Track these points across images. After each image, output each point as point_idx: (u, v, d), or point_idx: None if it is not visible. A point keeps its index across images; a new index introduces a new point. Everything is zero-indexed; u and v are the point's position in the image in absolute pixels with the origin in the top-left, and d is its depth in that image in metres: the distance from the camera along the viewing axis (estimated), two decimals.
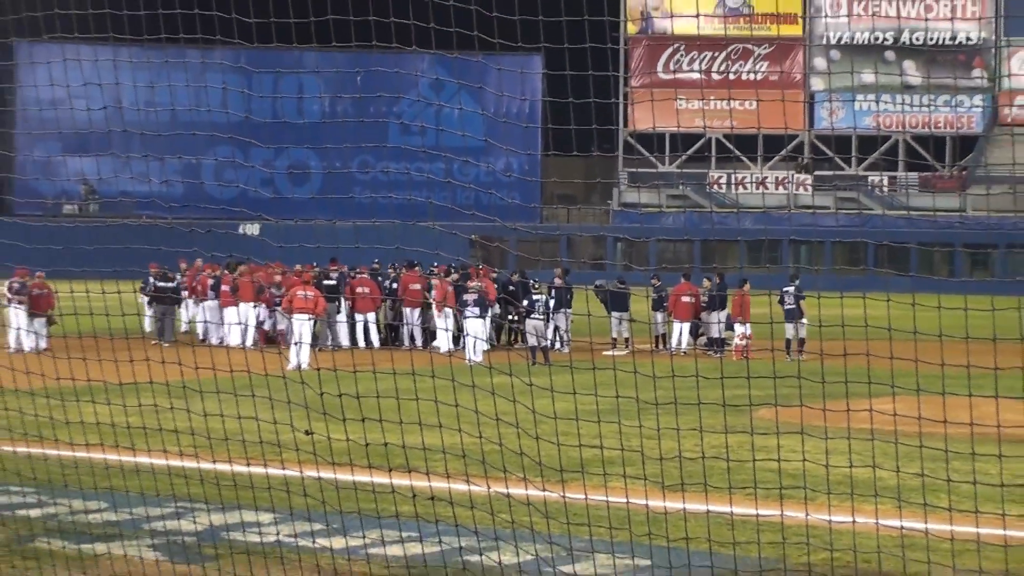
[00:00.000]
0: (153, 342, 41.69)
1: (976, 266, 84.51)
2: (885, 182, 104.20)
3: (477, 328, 41.52)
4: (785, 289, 45.79)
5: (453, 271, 46.68)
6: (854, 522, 17.03)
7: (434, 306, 44.86)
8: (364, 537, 16.71)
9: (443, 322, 44.28)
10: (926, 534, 16.01)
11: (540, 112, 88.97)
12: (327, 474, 18.78)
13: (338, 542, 16.57)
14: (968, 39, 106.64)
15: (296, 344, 39.35)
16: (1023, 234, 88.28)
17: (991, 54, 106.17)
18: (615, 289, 47.07)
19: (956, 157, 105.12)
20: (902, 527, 16.52)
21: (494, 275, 46.37)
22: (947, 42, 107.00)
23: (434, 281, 45.35)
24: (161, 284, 45.51)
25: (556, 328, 44.76)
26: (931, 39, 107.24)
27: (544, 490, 17.65)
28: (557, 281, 45.83)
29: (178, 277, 49.19)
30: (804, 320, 44.38)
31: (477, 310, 42.10)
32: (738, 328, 45.34)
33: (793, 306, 44.81)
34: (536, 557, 15.63)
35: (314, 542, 16.69)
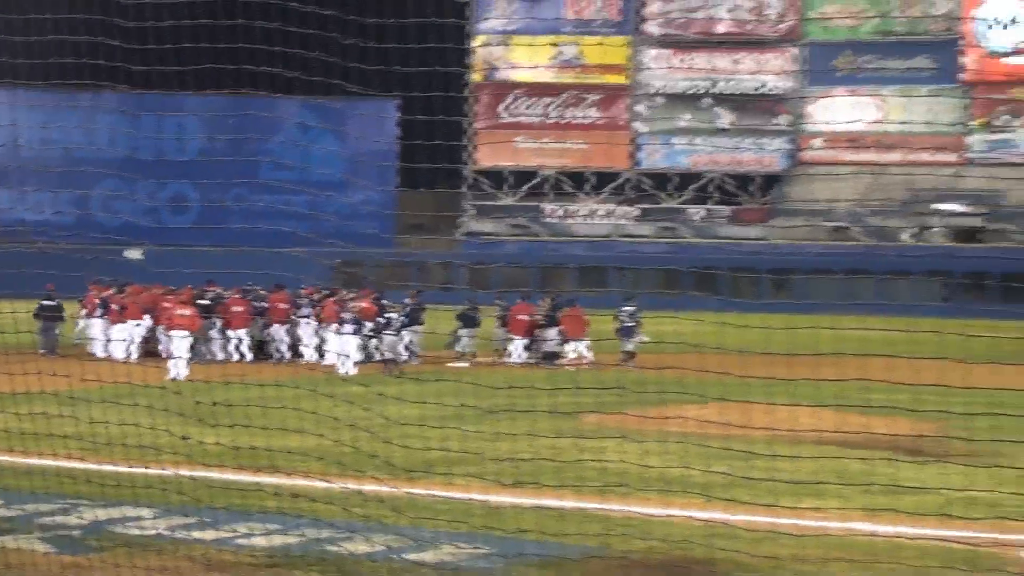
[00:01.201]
0: (42, 351, 41.34)
1: (778, 289, 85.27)
2: (700, 214, 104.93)
3: (351, 343, 41.60)
4: (621, 308, 46.15)
5: (323, 292, 46.74)
6: (668, 514, 17.18)
7: (314, 321, 44.70)
8: (234, 530, 16.65)
9: (310, 338, 44.16)
10: (731, 525, 16.20)
11: (395, 151, 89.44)
12: (201, 473, 18.74)
13: (210, 534, 16.54)
14: (773, 89, 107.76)
15: (175, 358, 39.27)
16: (820, 261, 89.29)
17: (793, 102, 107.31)
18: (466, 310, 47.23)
19: (762, 192, 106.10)
20: (709, 519, 16.73)
21: (375, 296, 46.19)
22: (755, 91, 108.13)
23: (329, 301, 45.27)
24: (45, 303, 44.89)
25: (408, 343, 44.71)
26: (741, 89, 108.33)
27: (394, 487, 17.71)
28: (409, 301, 45.88)
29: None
30: (640, 336, 44.69)
31: (352, 327, 42.19)
32: (572, 344, 45.58)
33: (630, 324, 45.18)
34: (386, 547, 15.66)
35: (189, 534, 16.62)
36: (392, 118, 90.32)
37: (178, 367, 38.48)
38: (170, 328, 40.98)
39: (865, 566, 14.42)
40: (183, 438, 17.22)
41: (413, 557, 15.28)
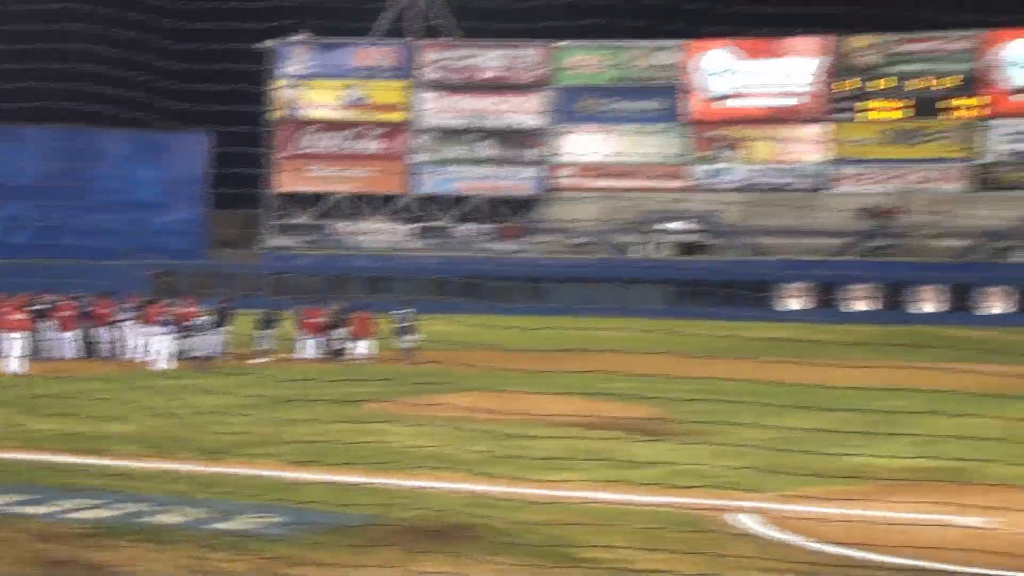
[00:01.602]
0: None
1: (534, 295, 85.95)
2: (468, 231, 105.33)
3: (168, 343, 41.26)
4: (400, 312, 46.34)
5: (146, 298, 46.35)
6: (438, 487, 17.23)
7: (136, 323, 44.05)
8: (62, 506, 16.35)
9: (136, 338, 43.52)
10: (491, 496, 16.29)
11: (207, 178, 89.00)
12: (34, 456, 18.39)
13: (42, 509, 16.21)
14: (529, 126, 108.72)
15: (8, 356, 38.93)
16: (568, 271, 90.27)
17: (545, 137, 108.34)
18: (267, 314, 47.02)
19: (520, 213, 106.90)
20: (472, 490, 16.81)
21: (191, 301, 45.57)
22: (513, 128, 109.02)
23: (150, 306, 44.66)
24: None
25: (217, 342, 44.17)
26: (501, 125, 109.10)
27: (201, 466, 17.55)
28: (219, 306, 45.48)
29: None
30: (416, 336, 44.82)
31: (169, 328, 41.77)
32: (360, 343, 45.47)
33: (407, 325, 45.41)
34: (194, 519, 15.50)
35: (24, 510, 16.27)
36: (204, 149, 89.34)
37: (15, 364, 38.06)
38: (8, 330, 40.26)
39: (602, 529, 14.57)
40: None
41: (217, 526, 15.15)
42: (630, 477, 17.63)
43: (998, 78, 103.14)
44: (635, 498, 16.83)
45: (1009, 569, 13.04)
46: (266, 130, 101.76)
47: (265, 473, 17.85)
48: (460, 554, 13.41)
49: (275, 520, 15.47)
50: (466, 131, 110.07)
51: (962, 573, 13.19)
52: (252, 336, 46.10)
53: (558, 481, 17.79)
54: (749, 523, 15.55)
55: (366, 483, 17.19)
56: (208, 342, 42.99)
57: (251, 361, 42.77)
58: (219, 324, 44.41)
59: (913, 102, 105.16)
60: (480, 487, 17.12)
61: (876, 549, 13.80)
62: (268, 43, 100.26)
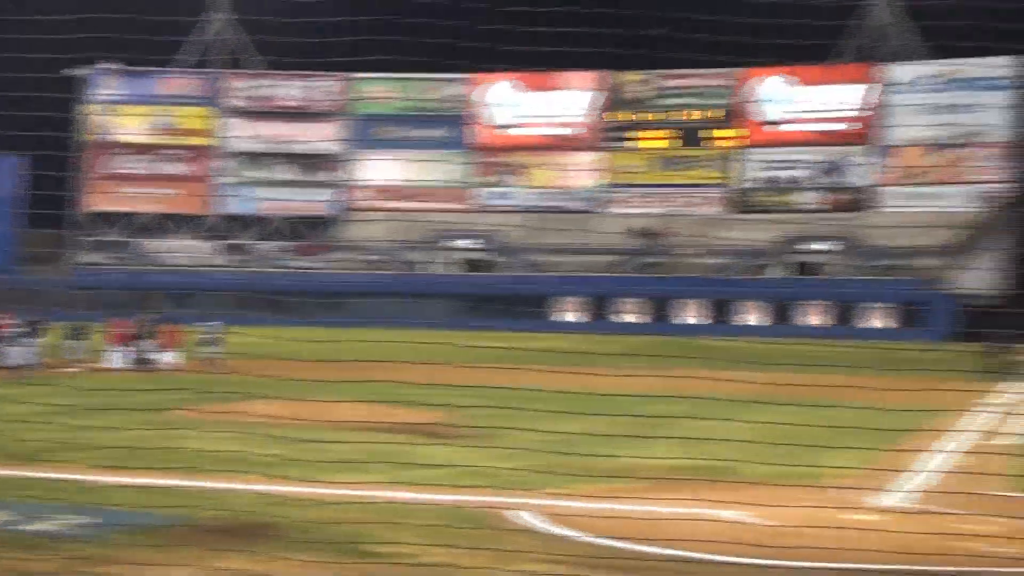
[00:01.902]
0: None
1: (330, 309, 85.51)
2: (269, 248, 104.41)
3: None
4: (204, 324, 45.87)
5: None
6: (237, 487, 16.99)
7: None
8: None
9: None
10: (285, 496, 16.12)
11: (20, 198, 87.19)
12: None
13: None
14: (327, 151, 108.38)
15: None
16: (364, 286, 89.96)
17: (342, 162, 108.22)
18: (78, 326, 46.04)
19: (319, 232, 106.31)
20: (270, 491, 16.61)
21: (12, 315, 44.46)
22: (312, 153, 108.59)
23: None
24: None
25: (30, 352, 43.07)
26: (302, 151, 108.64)
27: (11, 471, 17.06)
28: (31, 319, 44.46)
29: None
30: (222, 347, 44.38)
31: None
32: (166, 353, 44.73)
33: (212, 336, 44.97)
34: (3, 520, 15.03)
35: None
36: (15, 171, 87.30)
37: None
38: None
39: (392, 526, 14.51)
40: None
41: (27, 528, 14.72)
42: (418, 477, 17.59)
43: (753, 112, 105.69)
44: (422, 497, 16.79)
45: (761, 558, 13.30)
46: (77, 153, 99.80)
47: (73, 477, 17.40)
48: (259, 552, 13.24)
49: (83, 521, 15.08)
50: (268, 155, 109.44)
51: (719, 562, 13.41)
52: (63, 347, 45.11)
53: (351, 482, 17.67)
54: (528, 519, 15.61)
55: (170, 485, 16.86)
56: (21, 352, 41.90)
57: (61, 370, 41.74)
58: (31, 335, 43.36)
59: (678, 133, 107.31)
60: (278, 488, 16.93)
61: (644, 542, 13.96)
62: (79, 70, 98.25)
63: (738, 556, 13.45)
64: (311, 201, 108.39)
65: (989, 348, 45.22)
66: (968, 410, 28.75)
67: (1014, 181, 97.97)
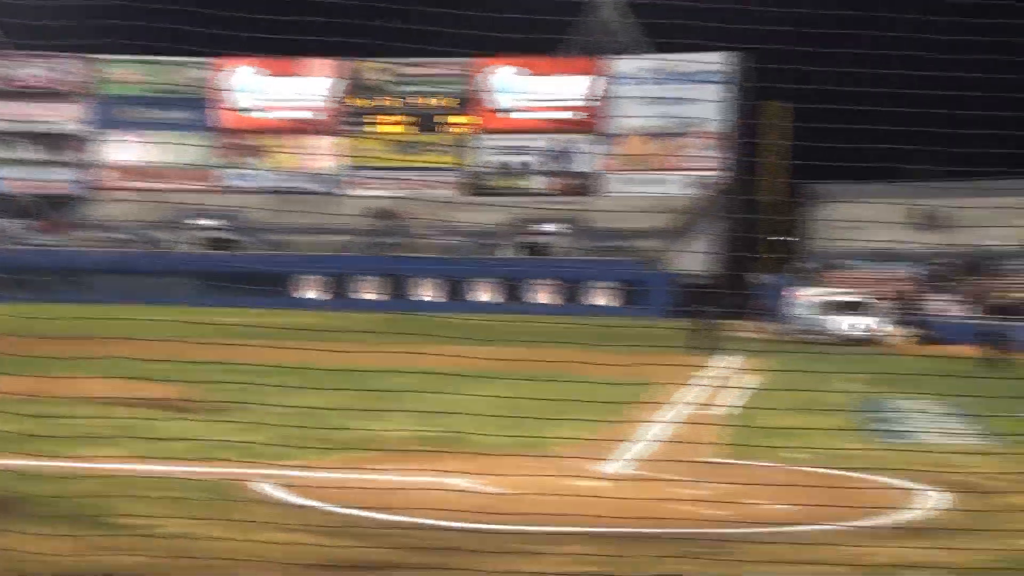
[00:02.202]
0: None
1: (75, 286, 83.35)
2: (16, 226, 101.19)
3: None
4: None
5: None
6: None
7: None
8: None
9: None
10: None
11: None
12: None
13: None
14: (72, 130, 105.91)
15: None
16: (107, 264, 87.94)
17: (88, 141, 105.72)
18: None
19: (64, 211, 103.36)
20: (15, 464, 16.08)
21: None
22: (59, 132, 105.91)
23: None
24: None
25: None
26: (47, 130, 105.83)
27: None
28: None
29: None
30: None
31: None
32: None
33: None
34: None
35: None
36: None
37: None
38: None
39: (136, 498, 14.18)
40: None
41: None
42: (161, 451, 17.24)
43: (486, 100, 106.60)
44: (164, 469, 16.46)
45: (493, 523, 13.45)
46: None
47: None
48: (2, 528, 12.77)
49: None
50: (13, 135, 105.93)
51: (454, 528, 13.50)
52: None
53: (95, 456, 17.23)
54: (269, 490, 15.45)
55: None
56: None
57: None
58: None
59: (415, 118, 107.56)
60: (23, 462, 16.36)
61: (382, 510, 13.96)
62: None
63: (471, 522, 13.56)
64: (56, 180, 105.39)
65: (697, 325, 46.55)
66: (684, 383, 29.55)
67: (725, 169, 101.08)
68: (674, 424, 23.01)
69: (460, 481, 15.22)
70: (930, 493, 17.39)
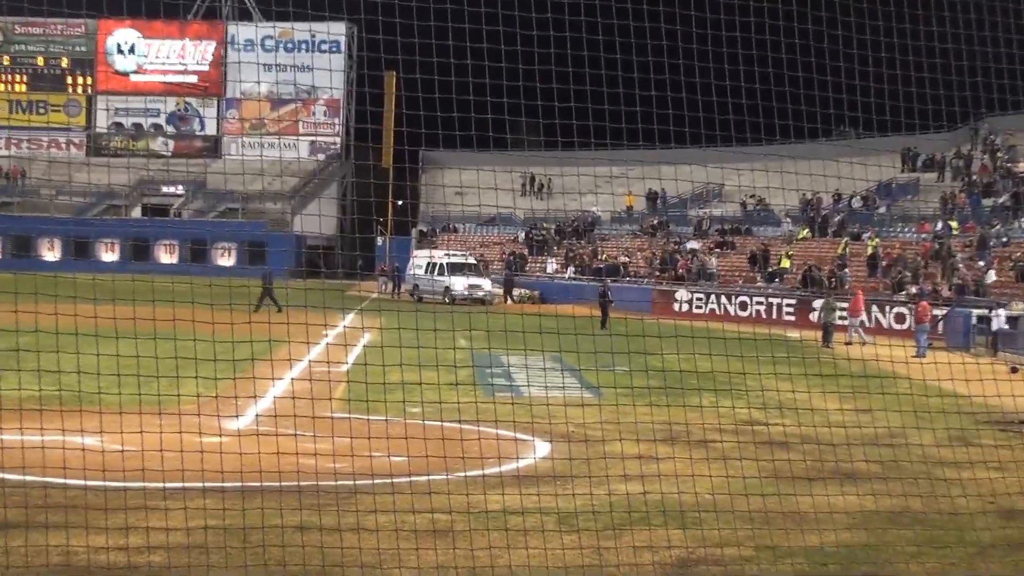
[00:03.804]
0: None
1: None
2: None
3: None
4: None
5: None
6: None
7: None
8: None
9: None
10: None
11: None
12: None
13: None
14: None
15: None
16: None
17: None
18: None
19: None
20: None
21: None
22: None
23: None
24: None
25: None
26: None
27: None
28: None
29: None
30: None
31: None
32: None
33: None
34: None
35: None
36: None
37: None
38: None
39: None
40: None
41: None
42: None
43: (108, 61, 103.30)
44: None
45: (118, 480, 13.08)
46: None
47: None
48: None
49: None
50: None
51: (77, 486, 13.05)
52: None
53: None
54: None
55: None
56: None
57: None
58: None
59: (37, 77, 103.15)
60: None
61: (5, 470, 13.36)
62: None
63: (95, 480, 13.11)
64: None
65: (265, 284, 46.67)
66: (307, 342, 29.38)
67: (343, 135, 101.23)
68: (296, 381, 22.88)
69: (82, 439, 14.65)
70: (538, 443, 17.93)
